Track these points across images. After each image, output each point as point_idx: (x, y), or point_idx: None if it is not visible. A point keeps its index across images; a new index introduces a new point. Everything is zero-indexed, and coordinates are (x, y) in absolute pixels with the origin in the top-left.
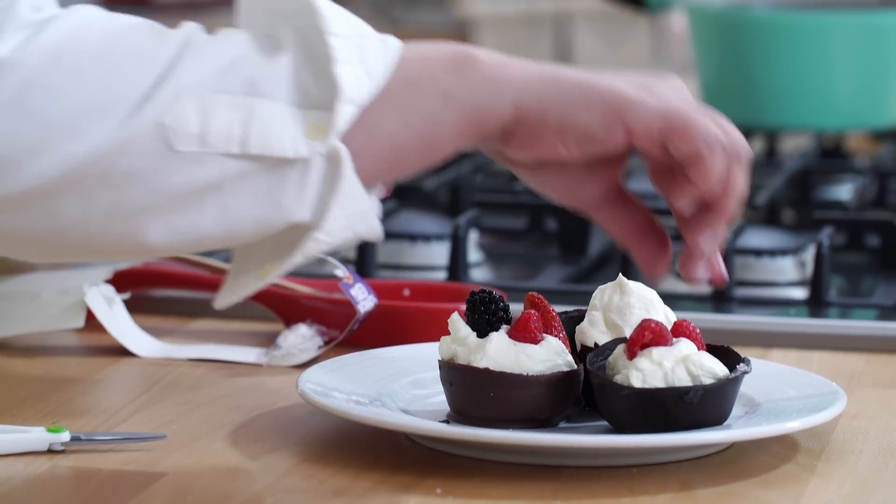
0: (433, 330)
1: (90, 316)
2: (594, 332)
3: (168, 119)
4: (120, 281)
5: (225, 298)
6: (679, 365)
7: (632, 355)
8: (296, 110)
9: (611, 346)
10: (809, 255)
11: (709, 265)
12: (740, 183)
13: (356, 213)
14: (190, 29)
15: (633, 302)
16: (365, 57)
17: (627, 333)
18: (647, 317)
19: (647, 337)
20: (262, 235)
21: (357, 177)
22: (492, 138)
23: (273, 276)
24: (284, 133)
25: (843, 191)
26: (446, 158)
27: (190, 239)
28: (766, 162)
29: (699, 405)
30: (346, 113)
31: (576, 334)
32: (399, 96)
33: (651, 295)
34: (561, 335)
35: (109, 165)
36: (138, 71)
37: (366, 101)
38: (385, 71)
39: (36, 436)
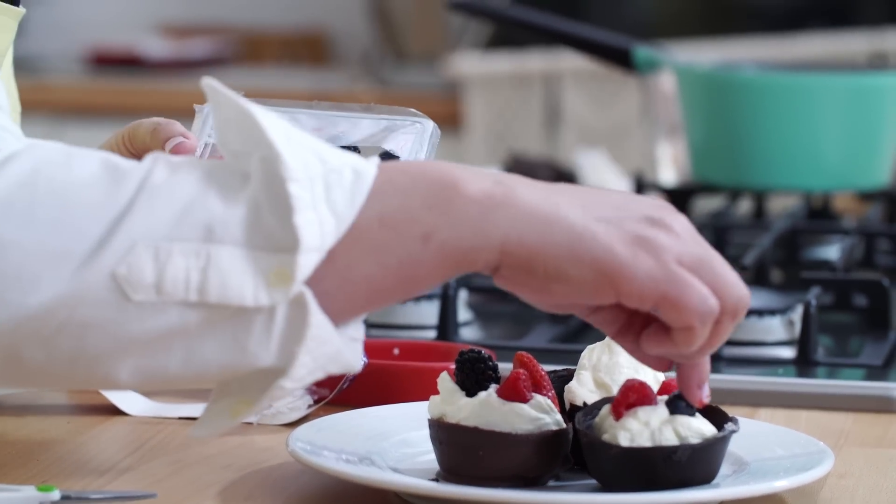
0: (423, 389)
1: None
2: (583, 391)
3: (122, 269)
4: None
5: (199, 430)
6: (666, 425)
7: (618, 416)
8: (256, 254)
9: (599, 406)
10: (797, 314)
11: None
12: (726, 335)
13: (326, 356)
14: (149, 166)
15: (621, 361)
16: (332, 195)
17: (615, 389)
18: (636, 376)
19: (632, 397)
20: (230, 376)
21: (327, 317)
22: (474, 272)
23: (242, 417)
24: (244, 280)
25: (831, 251)
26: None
27: (159, 379)
28: (754, 222)
29: (687, 464)
30: (309, 261)
31: (565, 393)
32: (373, 236)
33: None
34: (550, 394)
35: (66, 316)
36: (91, 219)
37: (331, 245)
38: (353, 211)
39: (26, 495)
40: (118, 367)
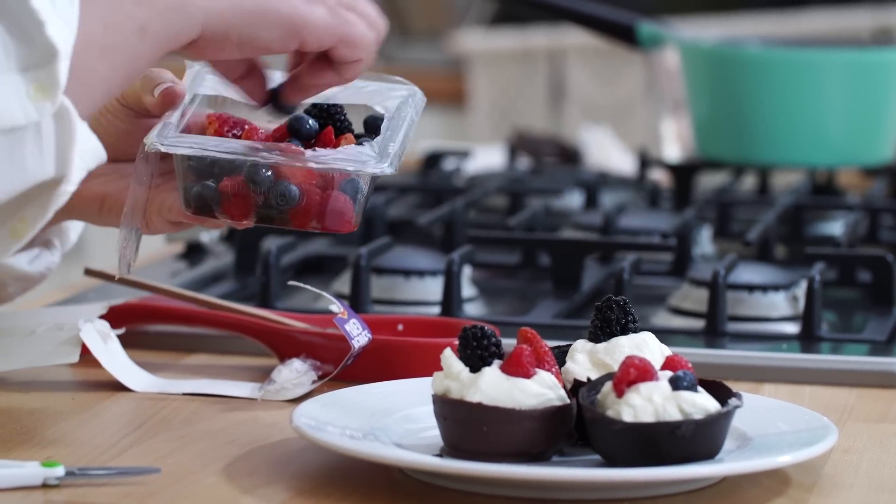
0: (427, 365)
1: (85, 351)
2: (579, 370)
3: None
4: (115, 316)
5: None
6: (670, 400)
7: (619, 394)
8: (14, 76)
9: (603, 381)
10: (801, 290)
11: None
12: (373, 53)
13: (90, 153)
14: None
15: (622, 342)
16: (56, 4)
17: (616, 368)
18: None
19: (633, 374)
20: (13, 197)
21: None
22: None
23: (25, 235)
24: (11, 101)
25: (835, 227)
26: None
27: None
28: (759, 198)
29: (691, 439)
30: (63, 69)
31: (562, 374)
32: (101, 41)
33: (644, 336)
34: (553, 370)
35: None
36: None
37: (71, 50)
38: (75, 12)
39: (30, 470)
40: None
